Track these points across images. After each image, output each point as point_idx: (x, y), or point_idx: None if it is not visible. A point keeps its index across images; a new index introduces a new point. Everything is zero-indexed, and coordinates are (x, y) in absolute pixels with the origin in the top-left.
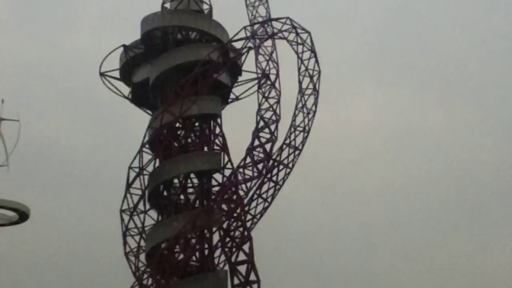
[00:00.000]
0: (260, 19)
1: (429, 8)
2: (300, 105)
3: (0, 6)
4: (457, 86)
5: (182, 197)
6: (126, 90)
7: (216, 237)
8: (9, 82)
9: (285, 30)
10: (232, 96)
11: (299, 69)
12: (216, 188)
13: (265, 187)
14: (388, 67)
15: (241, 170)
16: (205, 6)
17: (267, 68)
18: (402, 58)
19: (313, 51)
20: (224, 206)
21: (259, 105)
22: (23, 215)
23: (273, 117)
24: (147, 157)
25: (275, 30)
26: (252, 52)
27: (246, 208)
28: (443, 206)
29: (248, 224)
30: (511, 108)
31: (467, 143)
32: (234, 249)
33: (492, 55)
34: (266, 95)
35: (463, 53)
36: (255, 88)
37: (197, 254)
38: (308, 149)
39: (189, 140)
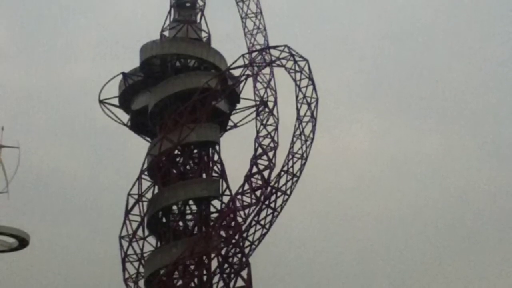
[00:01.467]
0: (258, 47)
1: (425, 36)
2: (298, 132)
3: (1, 34)
4: (454, 114)
5: (180, 223)
6: (125, 117)
7: (214, 263)
8: (9, 109)
9: (283, 58)
10: (230, 123)
11: (297, 96)
12: (215, 215)
13: (263, 214)
14: (385, 95)
15: (239, 197)
16: (203, 34)
17: (265, 95)
18: (399, 86)
19: (311, 78)
20: (222, 233)
21: (257, 132)
22: (23, 242)
23: (271, 144)
24: (146, 184)
25: (273, 58)
26: (250, 80)
27: (244, 235)
28: (440, 232)
29: (246, 250)
30: (507, 135)
31: (464, 170)
32: (232, 275)
33: (488, 83)
34: (264, 122)
35: (459, 81)
36: (253, 115)
37: (195, 280)
38: (306, 176)
39: (188, 167)
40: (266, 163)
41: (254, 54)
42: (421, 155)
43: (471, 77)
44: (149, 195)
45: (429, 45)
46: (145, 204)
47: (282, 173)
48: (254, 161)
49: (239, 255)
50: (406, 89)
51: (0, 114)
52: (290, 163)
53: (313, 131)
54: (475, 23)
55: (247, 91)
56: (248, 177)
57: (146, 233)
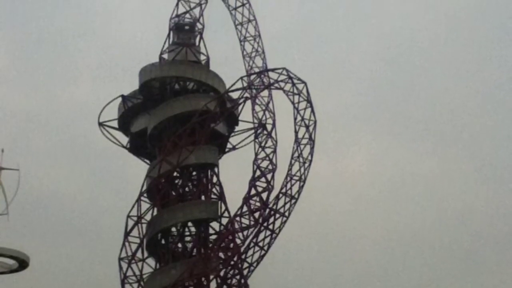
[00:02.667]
0: (256, 70)
1: (423, 59)
2: (296, 154)
3: (1, 58)
4: (451, 136)
5: (179, 245)
6: (124, 139)
7: (213, 285)
8: (9, 131)
9: (282, 81)
10: (229, 145)
11: (295, 119)
12: (213, 237)
13: (261, 236)
14: (383, 117)
15: (238, 218)
16: (202, 57)
17: (264, 118)
18: (396, 109)
19: (309, 101)
20: (221, 254)
21: (256, 154)
22: (23, 263)
23: (270, 166)
24: (145, 205)
25: (272, 81)
26: (248, 102)
27: (243, 256)
28: (437, 254)
29: (245, 272)
30: (504, 157)
31: (461, 192)
32: None
33: (485, 105)
34: (262, 144)
35: (457, 103)
36: (252, 137)
37: None
38: (304, 198)
39: (187, 189)
40: (264, 185)
41: (252, 77)
42: (418, 177)
43: (468, 99)
44: (148, 217)
45: (426, 68)
46: (144, 226)
47: (281, 195)
48: (252, 183)
49: (238, 277)
50: (404, 111)
51: (0, 136)
52: (289, 185)
53: (311, 153)
54: (472, 46)
55: (245, 113)
56: (246, 199)
57: (145, 254)
